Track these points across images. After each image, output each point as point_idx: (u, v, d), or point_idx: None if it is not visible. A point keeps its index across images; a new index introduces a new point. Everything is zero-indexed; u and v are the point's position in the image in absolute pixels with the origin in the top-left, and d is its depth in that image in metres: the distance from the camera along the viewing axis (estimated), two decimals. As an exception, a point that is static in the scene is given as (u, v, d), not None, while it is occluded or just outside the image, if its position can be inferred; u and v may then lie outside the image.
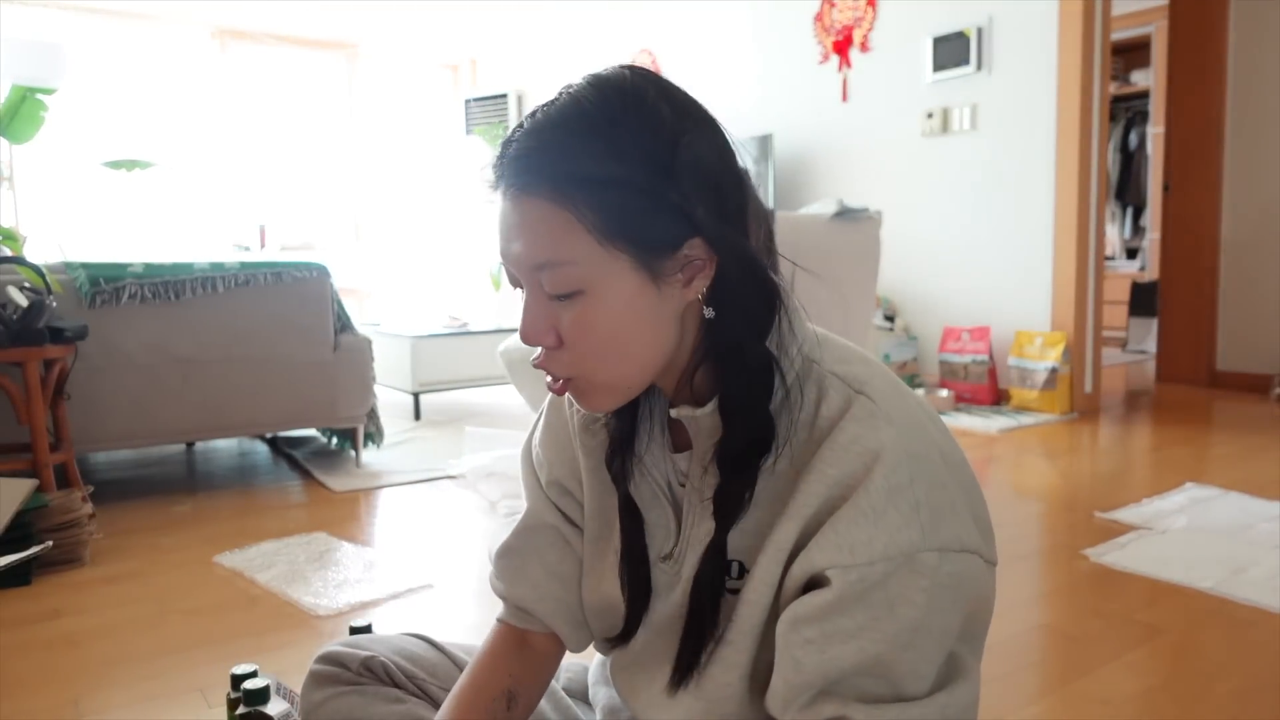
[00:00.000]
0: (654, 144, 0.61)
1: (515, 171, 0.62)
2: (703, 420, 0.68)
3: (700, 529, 0.69)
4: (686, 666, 0.69)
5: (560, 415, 0.83)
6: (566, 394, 0.69)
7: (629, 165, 0.60)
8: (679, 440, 0.74)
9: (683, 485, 0.73)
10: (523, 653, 0.83)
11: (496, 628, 0.85)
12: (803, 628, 0.61)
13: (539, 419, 0.86)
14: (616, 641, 0.77)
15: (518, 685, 0.81)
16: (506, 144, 0.64)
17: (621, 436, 0.74)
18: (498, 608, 0.87)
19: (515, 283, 0.67)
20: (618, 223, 0.60)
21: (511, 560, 0.83)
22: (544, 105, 0.64)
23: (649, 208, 0.61)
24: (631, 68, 0.65)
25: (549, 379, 0.67)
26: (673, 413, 0.70)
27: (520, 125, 0.64)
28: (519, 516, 0.86)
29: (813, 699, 0.61)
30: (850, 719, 0.60)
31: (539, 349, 0.67)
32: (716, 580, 0.67)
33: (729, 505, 0.65)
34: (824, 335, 0.69)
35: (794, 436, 0.64)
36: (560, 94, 0.64)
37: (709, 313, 0.64)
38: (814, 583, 0.62)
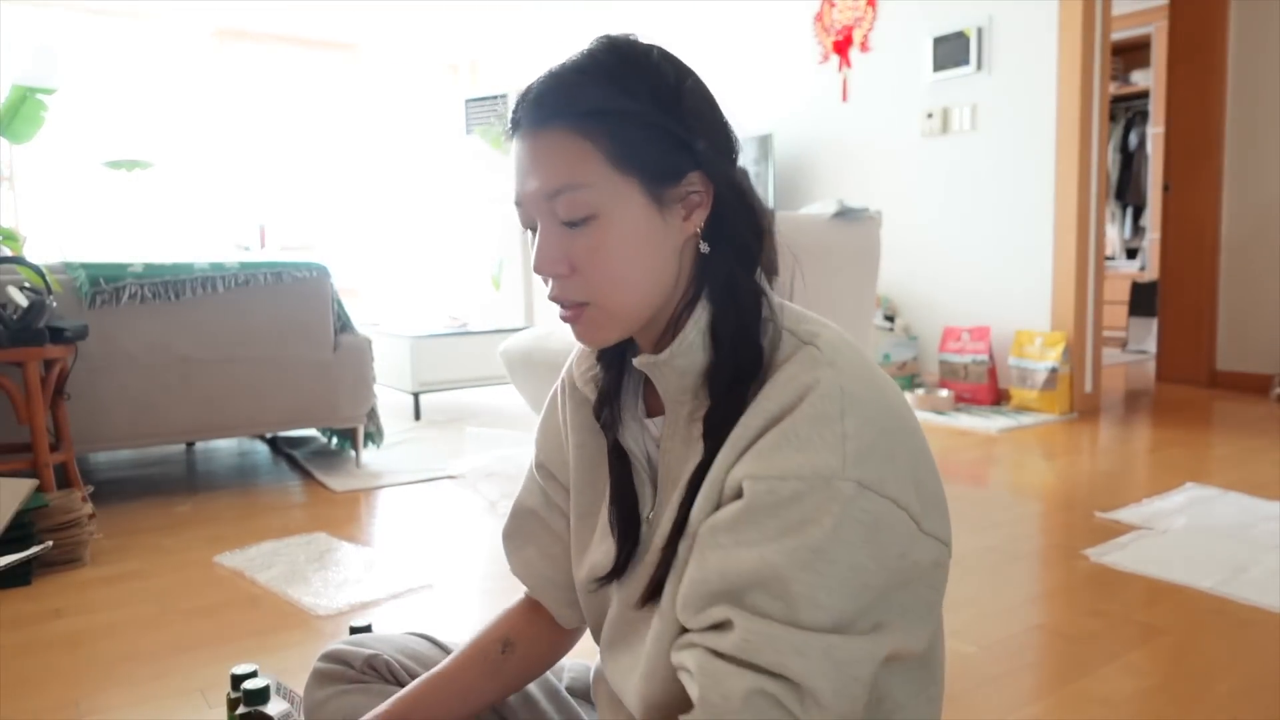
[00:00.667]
0: (660, 85, 0.67)
1: (534, 109, 0.67)
2: (665, 368, 0.70)
3: (676, 492, 0.71)
4: (656, 586, 0.72)
5: (554, 403, 0.88)
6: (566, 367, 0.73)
7: (639, 101, 0.66)
8: (652, 405, 0.77)
9: (659, 448, 0.75)
10: (531, 614, 0.90)
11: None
12: (718, 534, 0.63)
13: (545, 409, 0.91)
14: (606, 580, 0.79)
15: (516, 635, 0.88)
16: (526, 92, 0.69)
17: (609, 387, 0.79)
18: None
19: (529, 224, 0.71)
20: (629, 150, 0.66)
21: (513, 541, 0.91)
22: (560, 61, 0.70)
23: (657, 138, 0.66)
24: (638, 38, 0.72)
25: (561, 310, 0.71)
26: (635, 361, 0.73)
27: (537, 78, 0.69)
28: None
29: (706, 602, 0.63)
30: (732, 622, 0.61)
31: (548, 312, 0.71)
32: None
33: (720, 427, 0.67)
34: (784, 301, 0.73)
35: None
36: (573, 52, 0.71)
37: (704, 248, 0.69)
38: (731, 498, 0.64)
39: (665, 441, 0.74)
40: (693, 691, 0.63)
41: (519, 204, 0.70)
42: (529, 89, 0.69)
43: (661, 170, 0.67)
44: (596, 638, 0.85)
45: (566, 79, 0.67)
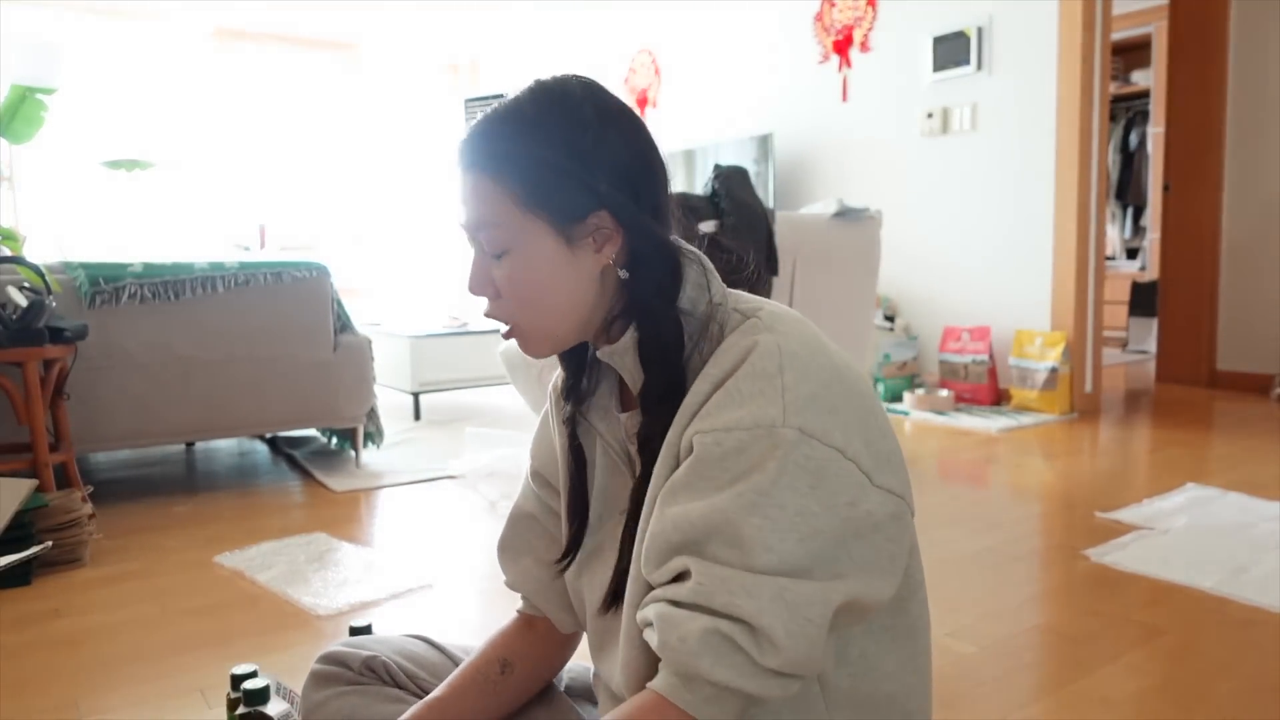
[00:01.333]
0: (571, 133, 0.73)
1: (462, 154, 0.76)
2: (625, 358, 0.75)
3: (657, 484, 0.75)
4: (623, 577, 0.76)
5: (546, 410, 0.92)
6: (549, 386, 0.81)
7: (547, 148, 0.72)
8: (627, 400, 0.81)
9: (632, 440, 0.79)
10: (526, 633, 0.92)
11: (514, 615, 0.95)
12: (675, 492, 0.67)
13: (539, 421, 0.94)
14: (562, 559, 0.85)
15: (513, 656, 0.90)
16: (466, 134, 0.77)
17: (567, 385, 0.85)
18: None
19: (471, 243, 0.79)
20: (536, 193, 0.72)
21: (507, 552, 0.94)
22: (495, 104, 0.77)
23: (561, 183, 0.72)
24: (577, 77, 0.77)
25: (500, 327, 0.79)
26: (598, 353, 0.79)
27: (472, 123, 0.77)
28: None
29: (668, 555, 0.66)
30: (689, 571, 0.64)
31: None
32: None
33: (652, 440, 0.73)
34: (734, 291, 0.78)
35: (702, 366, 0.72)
36: (507, 95, 0.77)
37: (624, 274, 0.75)
38: (684, 458, 0.68)
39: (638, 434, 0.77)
40: (653, 640, 0.65)
41: (460, 225, 0.78)
42: (468, 132, 0.76)
43: (567, 211, 0.73)
44: (585, 624, 0.88)
45: (488, 129, 0.74)
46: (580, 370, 0.85)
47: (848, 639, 0.71)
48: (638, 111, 0.79)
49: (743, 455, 0.64)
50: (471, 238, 0.76)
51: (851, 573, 0.66)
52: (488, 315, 0.79)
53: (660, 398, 0.73)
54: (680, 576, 0.66)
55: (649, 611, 0.67)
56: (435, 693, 0.86)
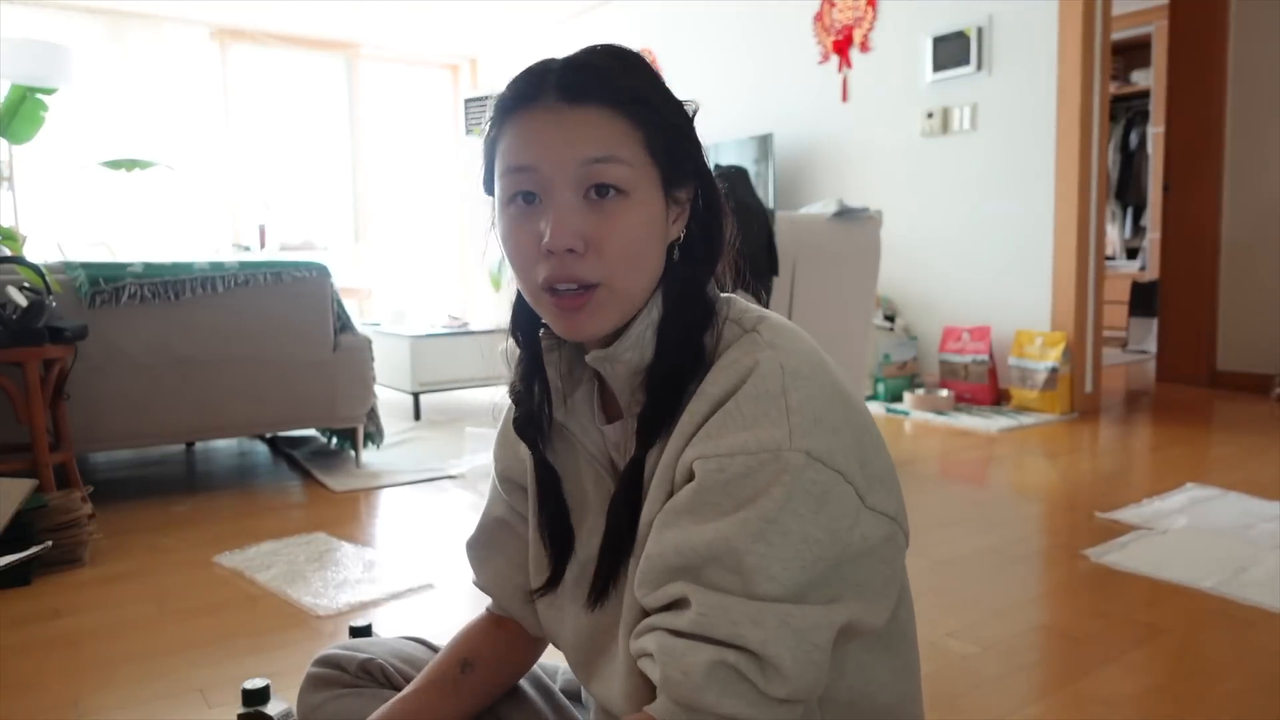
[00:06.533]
0: (670, 95, 0.72)
1: (569, 82, 0.67)
2: (616, 364, 0.71)
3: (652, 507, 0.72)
4: (603, 585, 0.74)
5: (507, 417, 0.87)
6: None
7: (673, 103, 0.71)
8: (610, 412, 0.78)
9: (617, 451, 0.76)
10: (492, 632, 0.90)
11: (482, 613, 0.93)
12: (676, 516, 0.65)
13: (501, 422, 0.89)
14: (544, 590, 0.81)
15: (475, 656, 0.87)
16: (545, 68, 0.69)
17: (529, 411, 0.79)
18: None
19: (530, 197, 0.68)
20: (659, 141, 0.68)
21: (477, 552, 0.91)
22: (597, 44, 0.72)
23: (679, 142, 0.70)
24: None
25: (555, 297, 0.68)
26: (588, 358, 0.73)
27: (557, 60, 0.69)
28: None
29: (661, 578, 0.64)
30: (688, 599, 0.62)
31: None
32: (633, 498, 0.71)
33: (652, 424, 0.69)
34: (732, 297, 0.76)
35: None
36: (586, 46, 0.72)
37: (675, 253, 0.72)
38: (683, 482, 0.65)
39: (625, 445, 0.74)
40: (654, 673, 0.63)
41: (530, 169, 0.67)
42: (547, 69, 0.68)
43: (677, 169, 0.70)
44: (561, 648, 0.84)
45: (602, 61, 0.69)
46: (543, 394, 0.78)
47: (844, 654, 0.70)
48: None
49: (748, 480, 0.62)
50: (568, 174, 0.66)
51: (849, 597, 0.64)
52: (557, 279, 0.67)
53: (667, 377, 0.69)
54: (677, 603, 0.63)
55: (647, 642, 0.64)
56: (402, 693, 0.85)
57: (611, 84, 0.67)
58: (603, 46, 0.71)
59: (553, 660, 1.02)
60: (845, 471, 0.64)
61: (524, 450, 0.82)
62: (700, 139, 0.74)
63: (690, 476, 0.65)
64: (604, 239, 0.67)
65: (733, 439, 0.63)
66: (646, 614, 0.68)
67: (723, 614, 0.61)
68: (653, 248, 0.70)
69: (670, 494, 0.67)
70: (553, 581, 0.80)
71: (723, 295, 0.75)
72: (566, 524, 0.79)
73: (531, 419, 0.79)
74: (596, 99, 0.67)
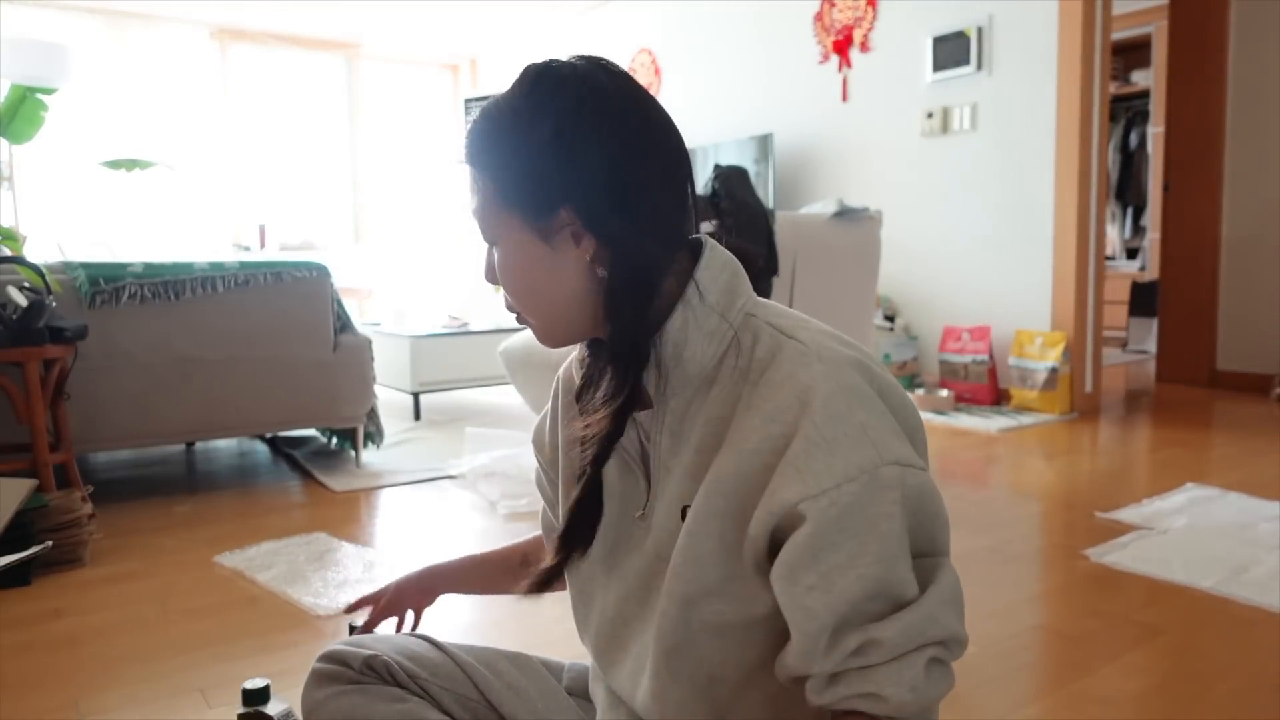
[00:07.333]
0: (540, 129, 0.71)
1: (462, 149, 0.78)
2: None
3: (669, 483, 0.74)
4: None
5: (552, 398, 0.91)
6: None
7: (515, 145, 0.73)
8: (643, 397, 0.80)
9: (649, 440, 0.77)
10: (545, 545, 1.00)
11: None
12: (800, 575, 0.64)
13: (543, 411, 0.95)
14: (558, 552, 0.82)
15: (533, 557, 1.04)
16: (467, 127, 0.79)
17: (589, 375, 0.82)
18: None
19: None
20: (505, 191, 0.74)
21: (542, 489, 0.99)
22: (491, 96, 0.78)
23: (525, 182, 0.73)
24: (578, 62, 0.74)
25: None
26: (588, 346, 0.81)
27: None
28: (517, 515, 0.96)
29: (832, 641, 0.65)
30: (877, 639, 0.63)
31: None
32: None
33: (629, 402, 0.75)
34: (765, 300, 0.77)
35: (732, 380, 0.71)
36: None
37: (601, 272, 0.74)
38: (789, 525, 0.65)
39: (654, 434, 0.76)
40: (882, 708, 0.64)
41: None
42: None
43: (532, 209, 0.73)
44: (583, 631, 0.85)
45: (474, 124, 0.76)
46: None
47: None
48: (648, 98, 0.76)
49: (858, 510, 0.63)
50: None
51: (941, 536, 0.71)
52: (505, 304, 0.82)
53: (611, 395, 0.74)
54: (859, 650, 0.64)
55: (852, 687, 0.65)
56: (479, 555, 1.07)
57: (470, 148, 0.75)
58: (497, 96, 0.77)
59: (558, 658, 1.02)
60: (916, 462, 0.68)
61: (559, 431, 0.88)
62: (601, 149, 0.72)
63: (791, 519, 0.65)
64: (502, 282, 0.78)
65: (829, 470, 0.64)
66: (685, 624, 0.72)
67: (903, 636, 0.63)
68: (541, 281, 0.75)
69: (734, 518, 0.68)
70: (556, 569, 0.82)
71: (761, 300, 0.76)
72: (594, 528, 0.81)
73: (585, 388, 0.82)
74: (470, 162, 0.76)
